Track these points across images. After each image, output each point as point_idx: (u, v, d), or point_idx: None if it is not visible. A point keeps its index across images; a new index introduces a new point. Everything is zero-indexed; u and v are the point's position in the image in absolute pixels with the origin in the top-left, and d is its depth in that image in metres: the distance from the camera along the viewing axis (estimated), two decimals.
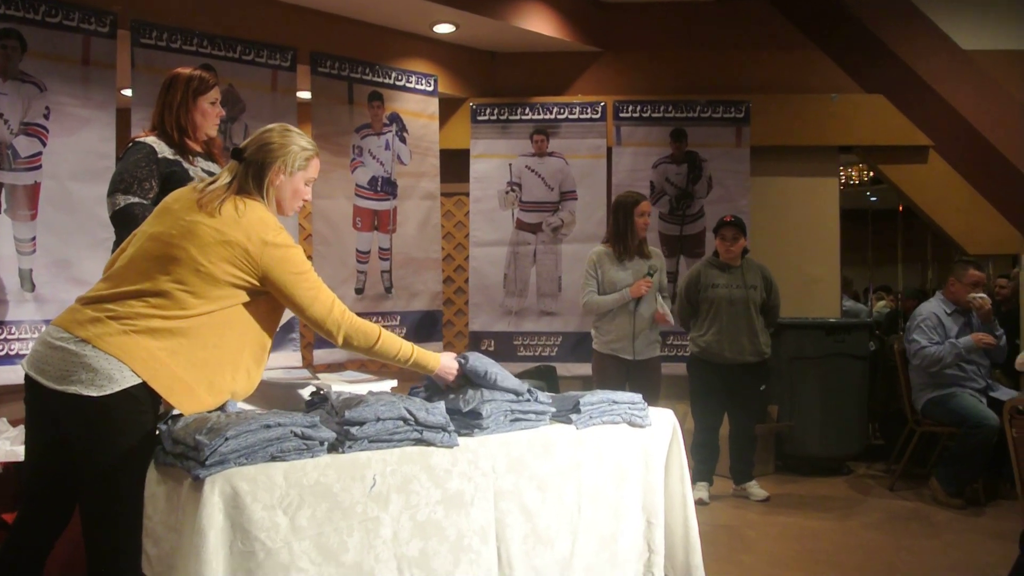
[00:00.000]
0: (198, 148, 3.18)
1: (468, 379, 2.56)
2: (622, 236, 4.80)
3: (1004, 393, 5.19)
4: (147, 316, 2.15)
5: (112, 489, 2.12)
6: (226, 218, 2.23)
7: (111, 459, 2.10)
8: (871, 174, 8.33)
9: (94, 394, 2.08)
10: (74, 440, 2.14)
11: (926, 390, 5.27)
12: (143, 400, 2.13)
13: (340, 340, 2.36)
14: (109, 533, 2.14)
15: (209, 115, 3.18)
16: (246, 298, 2.27)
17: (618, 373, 4.73)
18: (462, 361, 2.55)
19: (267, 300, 2.33)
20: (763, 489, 5.18)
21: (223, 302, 2.23)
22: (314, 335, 5.42)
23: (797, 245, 6.46)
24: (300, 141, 2.41)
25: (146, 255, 2.23)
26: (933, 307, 5.36)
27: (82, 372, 2.09)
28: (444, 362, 2.54)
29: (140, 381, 2.11)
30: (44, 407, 2.19)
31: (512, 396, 2.53)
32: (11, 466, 3.23)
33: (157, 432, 2.17)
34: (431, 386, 2.65)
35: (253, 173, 2.34)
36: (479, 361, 2.55)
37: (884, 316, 8.35)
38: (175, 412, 2.21)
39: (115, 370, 2.09)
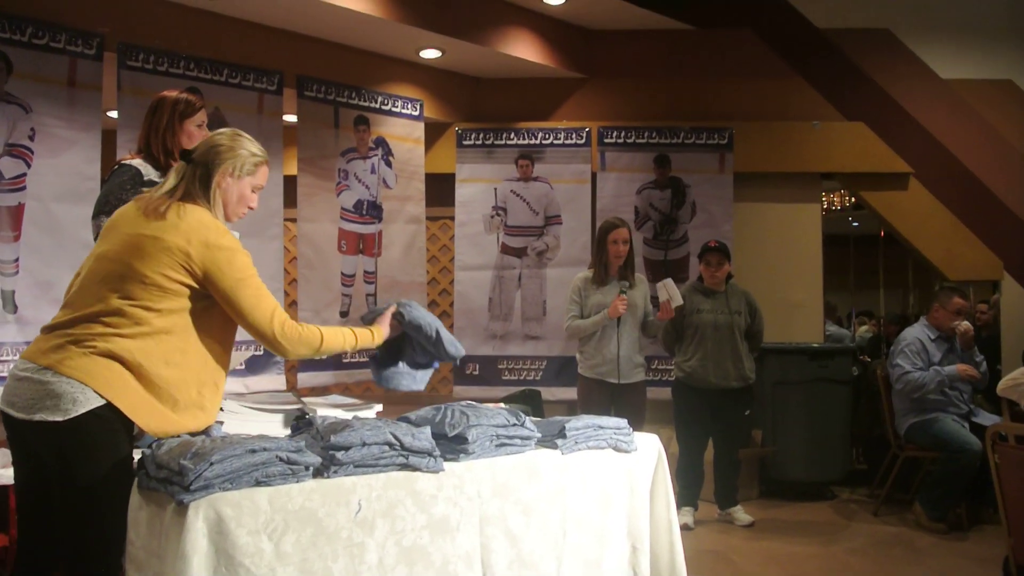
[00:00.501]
0: None
1: (406, 334, 2.58)
2: (598, 261, 4.83)
3: (986, 418, 5.23)
4: (105, 336, 2.15)
5: (89, 513, 2.10)
6: (167, 224, 2.22)
7: (86, 482, 2.10)
8: (852, 200, 8.40)
9: (60, 418, 2.08)
10: (50, 467, 2.14)
11: (909, 415, 5.30)
12: (111, 420, 2.12)
13: (280, 349, 2.32)
14: (88, 557, 2.12)
15: (195, 138, 3.17)
16: (199, 304, 2.25)
17: (603, 397, 4.73)
18: (400, 317, 2.55)
19: (221, 308, 2.30)
20: (748, 514, 5.18)
21: (176, 316, 2.21)
22: None
23: (780, 270, 6.50)
24: (250, 147, 2.41)
25: (95, 276, 2.24)
26: (917, 332, 5.40)
27: (47, 399, 2.09)
28: (385, 332, 2.55)
29: (104, 402, 2.11)
30: (19, 439, 2.20)
31: (501, 420, 2.52)
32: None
33: (140, 456, 2.16)
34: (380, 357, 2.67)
35: (200, 175, 2.33)
36: (418, 314, 2.56)
37: (866, 341, 8.40)
38: (151, 437, 2.19)
39: (78, 392, 2.09)
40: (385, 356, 2.66)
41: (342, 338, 2.42)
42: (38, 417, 2.08)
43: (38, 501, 2.24)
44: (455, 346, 2.55)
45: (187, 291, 2.22)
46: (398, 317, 2.56)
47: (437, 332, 2.52)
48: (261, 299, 2.28)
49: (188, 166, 2.34)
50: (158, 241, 2.20)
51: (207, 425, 2.31)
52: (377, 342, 2.52)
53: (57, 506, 2.17)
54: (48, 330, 2.22)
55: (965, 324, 5.27)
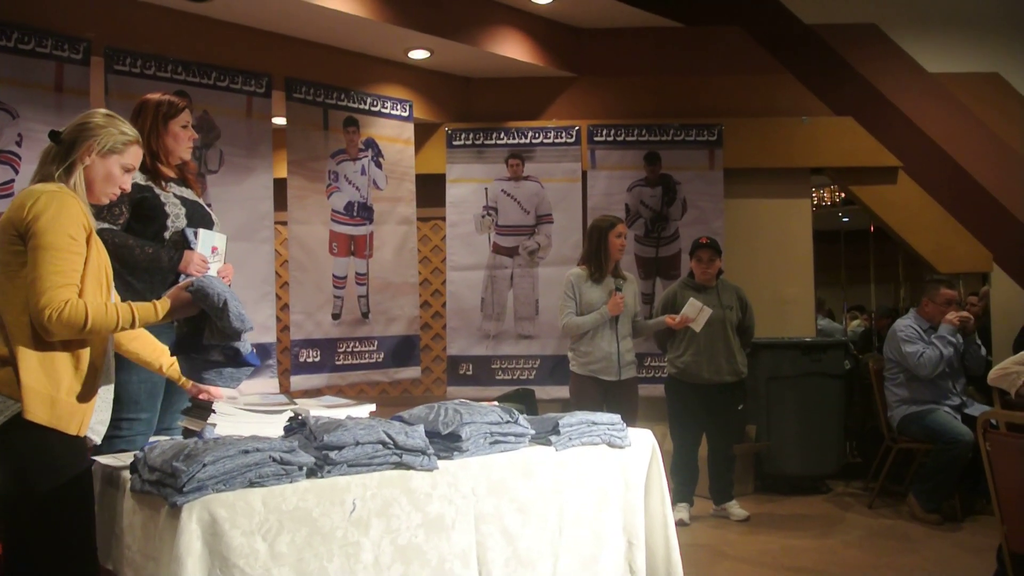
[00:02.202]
0: (171, 173, 3.16)
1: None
2: (596, 258, 4.83)
3: (978, 409, 5.25)
4: None
5: (42, 521, 2.12)
6: (8, 208, 2.19)
7: (22, 487, 2.12)
8: (842, 196, 8.43)
9: None
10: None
11: (902, 407, 5.32)
12: (31, 425, 2.11)
13: (42, 328, 2.11)
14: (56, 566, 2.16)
15: (181, 139, 3.17)
16: None
17: (596, 395, 4.73)
18: (191, 289, 2.26)
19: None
20: (743, 509, 5.19)
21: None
22: (291, 361, 5.39)
23: (771, 266, 6.52)
24: (122, 127, 2.36)
25: None
26: (909, 322, 5.43)
27: None
28: (169, 304, 2.26)
29: (19, 408, 2.10)
30: None
31: (495, 417, 2.51)
32: None
33: (132, 459, 2.15)
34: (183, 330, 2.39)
35: (59, 153, 2.27)
36: (207, 282, 2.27)
37: (858, 335, 8.43)
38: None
39: None
40: (189, 340, 2.37)
41: (114, 318, 2.17)
42: None
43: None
44: (241, 320, 2.25)
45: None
46: (189, 290, 2.26)
47: (224, 301, 2.23)
48: (46, 272, 2.10)
49: (52, 147, 2.30)
50: None
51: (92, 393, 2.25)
52: (160, 314, 2.24)
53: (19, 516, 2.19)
54: None
55: (962, 314, 5.31)
